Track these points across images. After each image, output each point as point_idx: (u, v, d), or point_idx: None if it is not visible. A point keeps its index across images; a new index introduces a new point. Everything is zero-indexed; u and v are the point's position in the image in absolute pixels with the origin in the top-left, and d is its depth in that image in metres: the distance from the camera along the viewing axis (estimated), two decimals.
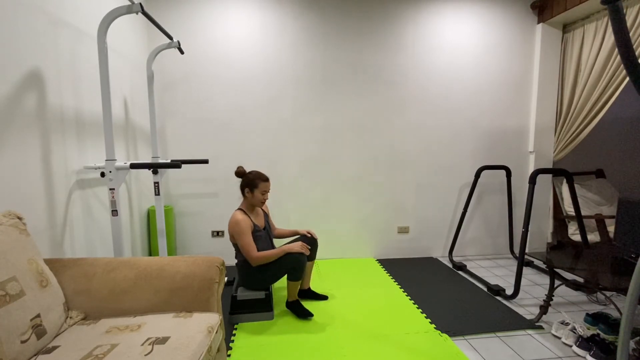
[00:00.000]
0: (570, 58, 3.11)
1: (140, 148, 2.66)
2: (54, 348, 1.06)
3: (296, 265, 2.02)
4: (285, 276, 2.13)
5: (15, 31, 1.42)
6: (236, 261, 2.17)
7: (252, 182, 2.12)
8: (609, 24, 2.76)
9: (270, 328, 1.99)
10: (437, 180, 3.24)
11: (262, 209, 2.32)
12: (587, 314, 1.94)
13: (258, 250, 2.08)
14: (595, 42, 2.83)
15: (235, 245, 2.14)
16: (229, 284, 2.59)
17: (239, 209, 2.16)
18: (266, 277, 2.08)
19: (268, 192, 2.16)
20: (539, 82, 3.19)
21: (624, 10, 1.58)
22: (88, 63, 1.94)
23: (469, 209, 3.31)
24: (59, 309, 1.18)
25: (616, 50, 2.69)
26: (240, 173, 2.18)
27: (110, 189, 1.69)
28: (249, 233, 2.05)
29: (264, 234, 2.21)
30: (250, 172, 2.17)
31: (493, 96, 3.20)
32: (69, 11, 1.78)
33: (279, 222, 3.08)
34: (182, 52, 2.32)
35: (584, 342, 1.74)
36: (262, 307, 2.07)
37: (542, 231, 3.37)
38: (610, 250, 2.05)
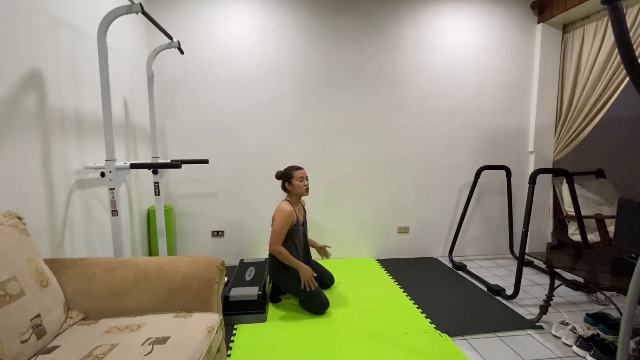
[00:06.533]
0: (570, 58, 3.11)
1: (140, 148, 2.66)
2: (54, 348, 1.06)
3: (314, 306, 2.14)
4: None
5: (15, 31, 1.42)
6: (270, 250, 2.26)
7: (287, 174, 2.27)
8: (609, 24, 2.76)
9: (270, 328, 1.99)
10: (437, 180, 3.24)
11: (303, 207, 2.43)
12: (587, 314, 1.94)
13: (292, 243, 2.24)
14: (595, 42, 2.83)
15: None
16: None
17: (285, 199, 2.29)
18: (287, 282, 2.19)
19: (305, 178, 2.28)
20: (539, 82, 3.19)
21: (624, 10, 1.58)
22: (88, 63, 1.94)
23: (469, 209, 3.31)
24: (59, 309, 1.18)
25: (616, 50, 2.69)
26: (277, 174, 2.33)
27: (110, 189, 1.69)
28: (286, 225, 2.18)
29: (302, 230, 2.34)
30: (284, 168, 2.33)
31: (493, 96, 3.20)
32: (69, 11, 1.78)
33: None
34: (182, 52, 2.32)
35: (584, 342, 1.74)
36: (255, 308, 2.06)
37: (542, 231, 3.37)
38: (610, 250, 2.05)
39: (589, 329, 1.88)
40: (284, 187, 2.31)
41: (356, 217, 3.18)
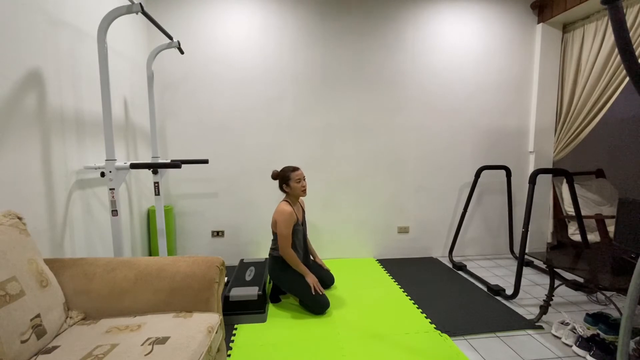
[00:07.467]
0: (570, 58, 3.11)
1: (140, 148, 2.66)
2: (54, 348, 1.06)
3: (314, 306, 2.14)
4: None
5: (15, 31, 1.42)
6: (270, 251, 2.29)
7: (284, 176, 2.27)
8: (609, 24, 2.76)
9: (270, 328, 1.99)
10: (437, 180, 3.24)
11: (301, 206, 2.44)
12: (587, 314, 1.94)
13: (292, 243, 2.23)
14: (595, 42, 2.83)
15: (275, 234, 2.26)
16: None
17: (285, 200, 2.29)
18: (287, 282, 2.20)
19: (303, 179, 2.27)
20: (539, 82, 3.19)
21: (624, 10, 1.58)
22: (88, 63, 1.94)
23: (469, 209, 3.31)
24: (59, 309, 1.18)
25: (616, 50, 2.69)
26: (274, 174, 2.34)
27: (110, 189, 1.69)
28: (290, 226, 2.19)
29: (302, 229, 2.35)
30: (281, 169, 2.32)
31: (493, 96, 3.20)
32: (69, 11, 1.78)
33: None
34: (182, 52, 2.32)
35: (584, 342, 1.74)
36: (255, 308, 2.06)
37: (542, 231, 3.37)
38: (610, 250, 2.05)
39: (589, 329, 1.88)
40: (281, 189, 2.32)
41: (356, 217, 3.18)
